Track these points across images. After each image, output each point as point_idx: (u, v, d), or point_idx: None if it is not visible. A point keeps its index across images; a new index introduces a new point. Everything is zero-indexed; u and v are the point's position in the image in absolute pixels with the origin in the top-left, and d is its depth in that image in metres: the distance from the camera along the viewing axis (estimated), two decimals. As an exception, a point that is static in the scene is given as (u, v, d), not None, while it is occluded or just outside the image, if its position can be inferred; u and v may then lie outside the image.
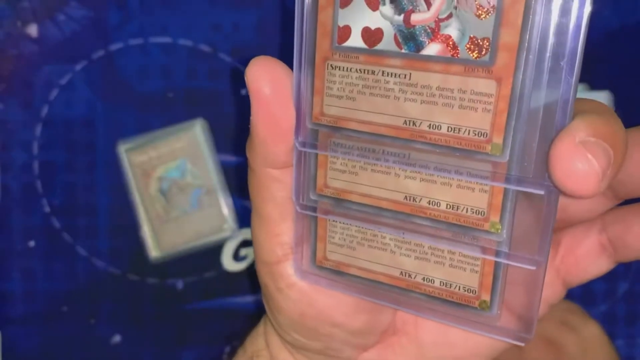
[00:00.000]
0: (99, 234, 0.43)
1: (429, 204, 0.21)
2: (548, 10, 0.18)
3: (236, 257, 0.44)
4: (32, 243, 0.43)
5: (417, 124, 0.20)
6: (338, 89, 0.21)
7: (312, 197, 0.23)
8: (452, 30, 0.19)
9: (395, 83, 0.20)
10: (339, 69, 0.21)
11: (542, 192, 0.19)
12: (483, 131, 0.19)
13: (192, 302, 0.44)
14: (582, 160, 0.17)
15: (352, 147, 0.21)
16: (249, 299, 0.44)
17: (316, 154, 0.22)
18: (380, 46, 0.20)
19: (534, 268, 0.20)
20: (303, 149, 0.22)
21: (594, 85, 0.43)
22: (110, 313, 0.44)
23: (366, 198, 0.22)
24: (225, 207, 0.43)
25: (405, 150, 0.20)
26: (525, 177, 0.19)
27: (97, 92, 0.42)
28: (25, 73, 0.42)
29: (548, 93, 0.18)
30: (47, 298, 0.43)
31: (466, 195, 0.20)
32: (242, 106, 0.43)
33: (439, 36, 0.19)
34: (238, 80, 0.43)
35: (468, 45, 0.19)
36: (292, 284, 0.24)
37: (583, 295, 0.45)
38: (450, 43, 0.19)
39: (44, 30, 0.41)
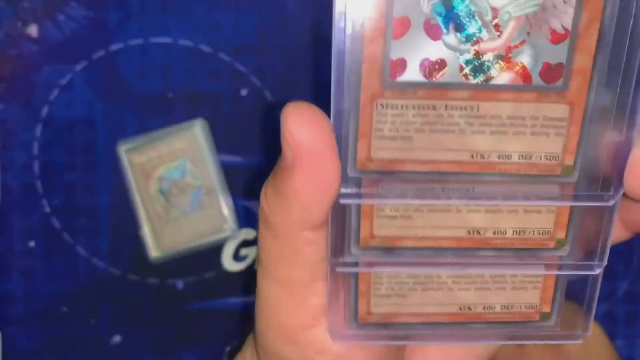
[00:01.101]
0: (99, 234, 0.43)
1: (494, 234, 0.21)
2: (618, 30, 0.18)
3: (236, 257, 0.44)
4: (32, 243, 0.43)
5: (486, 156, 0.19)
6: (390, 129, 0.19)
7: (355, 252, 0.21)
8: (524, 57, 0.18)
9: (460, 116, 0.19)
10: (391, 107, 0.19)
11: (610, 204, 0.20)
12: (555, 155, 0.19)
13: (192, 302, 0.44)
14: None
15: (406, 189, 0.20)
16: (249, 299, 0.44)
17: (358, 205, 0.20)
18: (443, 78, 0.18)
19: (596, 273, 0.21)
20: (346, 201, 0.20)
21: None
22: (110, 313, 0.44)
23: (424, 241, 0.21)
24: (225, 207, 0.43)
25: (470, 184, 0.20)
26: (594, 193, 0.20)
27: (97, 93, 0.42)
28: (25, 73, 0.42)
29: (616, 110, 0.19)
30: (47, 298, 0.43)
31: (533, 218, 0.20)
32: (242, 106, 0.43)
33: (510, 64, 0.18)
34: (238, 80, 0.43)
35: (541, 72, 0.19)
36: (324, 350, 0.21)
37: (583, 295, 0.45)
38: (523, 70, 0.19)
39: (44, 31, 0.41)
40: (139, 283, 0.44)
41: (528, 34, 0.18)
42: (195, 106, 0.43)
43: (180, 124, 0.43)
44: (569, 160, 0.19)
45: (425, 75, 0.18)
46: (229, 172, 0.43)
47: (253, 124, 0.43)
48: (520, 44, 0.18)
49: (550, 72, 0.19)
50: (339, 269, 0.20)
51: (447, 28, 0.18)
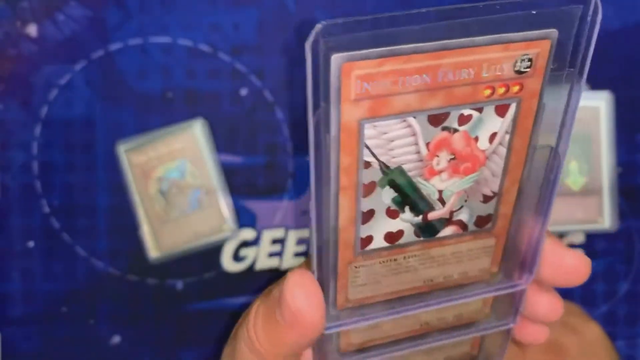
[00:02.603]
0: (98, 234, 0.43)
1: (438, 321, 0.26)
2: (532, 184, 0.23)
3: (236, 257, 0.44)
4: (31, 243, 0.43)
5: (435, 280, 0.25)
6: (362, 279, 0.24)
7: (333, 358, 0.26)
8: (463, 215, 0.23)
9: (415, 261, 0.24)
10: (363, 267, 0.23)
11: (524, 287, 0.26)
12: (485, 268, 0.25)
13: (191, 303, 0.44)
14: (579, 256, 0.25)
15: (377, 312, 0.25)
16: (248, 299, 0.44)
17: (338, 332, 0.25)
18: (401, 241, 0.23)
19: (510, 326, 0.28)
20: (330, 332, 0.24)
21: (594, 85, 0.43)
22: (110, 313, 0.44)
23: (389, 337, 0.26)
24: (225, 207, 0.43)
25: (424, 300, 0.25)
26: (513, 283, 0.26)
27: (97, 92, 0.42)
28: (24, 73, 0.42)
29: (528, 232, 0.25)
30: (46, 298, 0.43)
31: (468, 305, 0.26)
32: (242, 106, 0.43)
33: (452, 222, 0.23)
34: (238, 80, 0.43)
35: (475, 222, 0.24)
36: None
37: (584, 296, 0.45)
38: (461, 224, 0.23)
39: (44, 30, 0.41)
40: (138, 283, 0.43)
41: (466, 200, 0.23)
42: (195, 106, 0.43)
43: (180, 124, 0.43)
44: (495, 268, 0.26)
45: (388, 242, 0.23)
46: (228, 172, 0.43)
47: (253, 124, 0.43)
48: (459, 208, 0.23)
49: (482, 221, 0.24)
50: None
51: (403, 210, 0.22)
